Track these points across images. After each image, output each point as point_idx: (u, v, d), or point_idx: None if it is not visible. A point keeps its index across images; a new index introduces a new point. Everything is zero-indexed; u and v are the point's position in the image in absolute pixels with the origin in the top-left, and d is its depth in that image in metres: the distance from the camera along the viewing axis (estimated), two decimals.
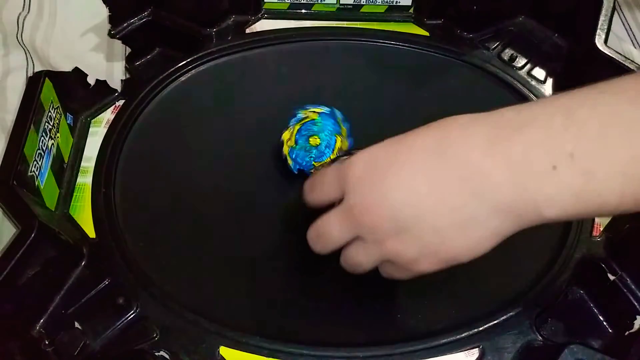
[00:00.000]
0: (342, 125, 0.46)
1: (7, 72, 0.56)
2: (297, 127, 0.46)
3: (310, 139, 0.45)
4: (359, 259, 0.36)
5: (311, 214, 0.47)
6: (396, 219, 0.33)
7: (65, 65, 0.53)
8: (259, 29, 0.59)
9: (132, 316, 0.39)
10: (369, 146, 0.35)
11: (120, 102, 0.52)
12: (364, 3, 0.60)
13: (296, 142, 0.46)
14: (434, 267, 0.34)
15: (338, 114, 0.46)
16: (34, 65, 0.57)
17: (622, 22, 0.65)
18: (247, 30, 0.58)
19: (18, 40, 0.58)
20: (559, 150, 0.29)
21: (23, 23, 0.60)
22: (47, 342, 0.38)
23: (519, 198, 0.30)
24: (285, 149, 0.46)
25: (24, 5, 0.62)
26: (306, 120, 0.46)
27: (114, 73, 0.57)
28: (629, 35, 0.64)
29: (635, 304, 0.40)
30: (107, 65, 0.58)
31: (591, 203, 0.29)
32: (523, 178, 0.30)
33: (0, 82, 0.55)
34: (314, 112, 0.46)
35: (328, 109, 0.46)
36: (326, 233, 0.37)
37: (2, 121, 0.52)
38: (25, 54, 0.57)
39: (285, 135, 0.46)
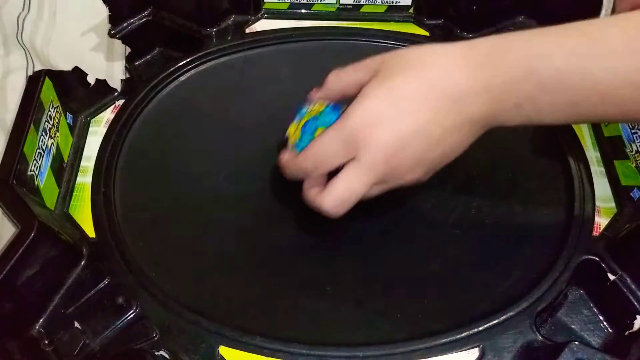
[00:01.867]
0: None
1: (7, 72, 0.56)
2: (303, 121, 0.45)
3: (315, 133, 0.44)
4: (353, 184, 0.39)
5: (311, 213, 0.47)
6: (395, 139, 0.37)
7: (65, 65, 0.53)
8: (259, 29, 0.59)
9: (131, 316, 0.39)
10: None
11: (120, 102, 0.52)
12: (364, 3, 0.60)
13: (302, 136, 0.44)
14: (426, 174, 0.40)
15: (343, 106, 0.45)
16: (34, 65, 0.57)
17: None
18: (247, 30, 0.58)
19: (18, 40, 0.58)
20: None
21: (23, 23, 0.60)
22: (46, 342, 0.38)
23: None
24: (291, 142, 0.44)
25: (24, 5, 0.61)
26: (312, 114, 0.45)
27: (114, 73, 0.57)
28: None
29: (635, 303, 0.40)
30: (107, 65, 0.58)
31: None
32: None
33: (0, 82, 0.55)
34: (319, 105, 0.45)
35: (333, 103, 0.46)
36: (320, 152, 0.40)
37: (2, 121, 0.52)
38: (25, 54, 0.57)
39: (291, 130, 0.45)
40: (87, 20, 0.61)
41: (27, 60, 0.57)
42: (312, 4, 0.60)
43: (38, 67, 0.56)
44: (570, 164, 0.49)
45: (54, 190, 0.46)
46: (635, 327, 0.40)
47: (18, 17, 0.60)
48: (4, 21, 0.60)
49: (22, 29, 0.59)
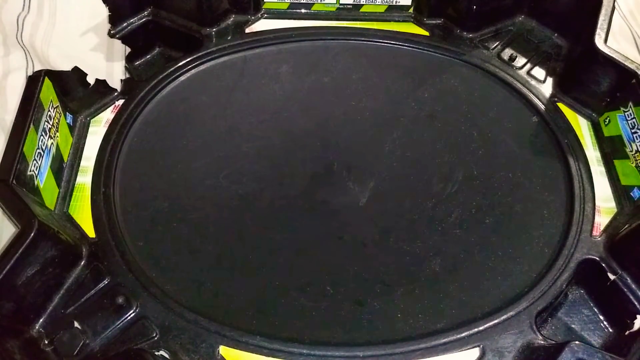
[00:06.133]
0: None
1: (7, 72, 0.56)
2: None
3: None
4: None
5: (311, 213, 0.47)
6: None
7: (65, 65, 0.53)
8: (258, 29, 0.59)
9: (131, 316, 0.39)
10: None
11: (120, 102, 0.52)
12: (364, 3, 0.60)
13: None
14: None
15: None
16: (33, 65, 0.57)
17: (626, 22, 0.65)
18: (247, 30, 0.58)
19: (18, 40, 0.58)
20: None
21: (23, 23, 0.60)
22: (46, 342, 0.38)
23: None
24: None
25: (23, 5, 0.62)
26: None
27: (114, 73, 0.57)
28: (632, 35, 0.65)
29: (636, 303, 0.40)
30: (107, 65, 0.58)
31: None
32: None
33: (0, 82, 0.55)
34: None
35: None
36: None
37: (2, 121, 0.52)
38: (25, 54, 0.57)
39: None
40: (87, 20, 0.61)
41: (27, 60, 0.57)
42: (312, 4, 0.60)
43: (38, 67, 0.56)
44: (570, 164, 0.49)
45: (54, 190, 0.46)
46: (636, 327, 0.40)
47: (18, 17, 0.60)
48: (4, 21, 0.60)
49: (22, 29, 0.59)
